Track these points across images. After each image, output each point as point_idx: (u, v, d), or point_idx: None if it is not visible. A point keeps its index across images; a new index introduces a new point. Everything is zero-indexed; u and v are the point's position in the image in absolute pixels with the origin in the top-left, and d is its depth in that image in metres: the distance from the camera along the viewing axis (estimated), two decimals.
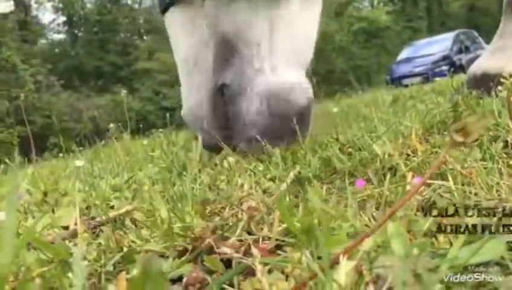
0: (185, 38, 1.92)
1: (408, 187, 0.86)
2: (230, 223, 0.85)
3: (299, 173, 1.22)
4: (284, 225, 0.78)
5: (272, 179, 1.26)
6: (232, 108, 1.80)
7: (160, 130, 4.78)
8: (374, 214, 0.75)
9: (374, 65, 27.92)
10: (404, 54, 16.27)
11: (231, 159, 1.53)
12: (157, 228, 0.90)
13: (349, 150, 1.42)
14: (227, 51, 1.81)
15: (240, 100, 1.78)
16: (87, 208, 1.31)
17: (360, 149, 1.37)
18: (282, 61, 1.85)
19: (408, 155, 1.24)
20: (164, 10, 1.98)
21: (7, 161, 2.81)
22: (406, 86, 7.42)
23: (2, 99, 15.19)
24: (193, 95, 1.92)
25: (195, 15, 1.88)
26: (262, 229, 0.84)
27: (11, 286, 0.71)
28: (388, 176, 0.94)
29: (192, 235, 0.81)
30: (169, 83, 18.27)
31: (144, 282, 0.43)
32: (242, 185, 1.20)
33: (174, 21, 1.95)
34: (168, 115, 4.40)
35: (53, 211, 1.35)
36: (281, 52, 1.86)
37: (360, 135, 1.53)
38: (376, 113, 2.20)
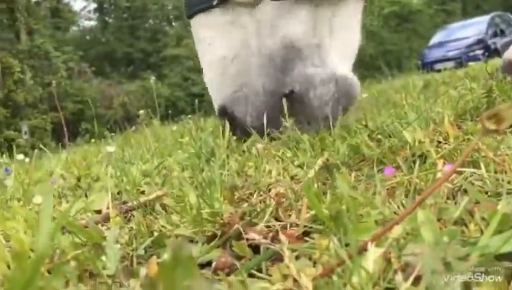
0: (225, 38, 1.98)
1: (439, 175, 0.85)
2: (258, 210, 0.85)
3: (327, 160, 1.22)
4: (312, 212, 0.78)
5: (300, 166, 1.26)
6: (299, 106, 1.88)
7: (189, 116, 4.82)
8: (403, 201, 0.74)
9: (404, 50, 27.33)
10: (436, 38, 15.88)
11: (259, 145, 1.53)
12: (186, 213, 0.91)
13: (379, 136, 1.40)
14: (290, 54, 1.88)
15: (307, 98, 1.89)
16: (118, 193, 1.35)
17: (389, 136, 1.35)
18: (339, 57, 1.97)
19: (439, 142, 1.22)
20: (199, 11, 2.02)
21: (41, 146, 2.89)
22: (438, 71, 7.24)
23: (35, 86, 15.57)
24: (228, 87, 1.98)
25: (238, 15, 1.94)
26: (290, 215, 0.84)
27: (46, 268, 0.74)
28: (418, 163, 0.93)
29: (221, 221, 0.82)
30: (198, 69, 18.30)
31: (174, 266, 0.44)
32: (270, 172, 1.21)
33: (212, 22, 1.99)
34: (196, 101, 4.43)
35: (86, 195, 1.39)
36: (339, 49, 1.97)
37: (390, 122, 1.51)
38: (406, 99, 2.16)
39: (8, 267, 0.75)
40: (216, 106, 2.04)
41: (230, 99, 1.95)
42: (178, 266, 0.43)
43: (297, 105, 1.87)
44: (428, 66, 11.99)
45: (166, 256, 0.48)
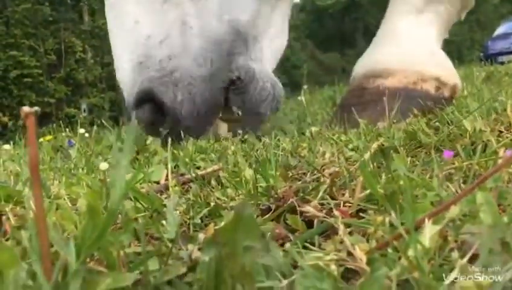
0: (155, 16, 1.79)
1: (500, 162, 0.83)
2: (312, 187, 0.87)
3: (382, 144, 1.21)
4: (366, 192, 0.79)
5: (354, 149, 1.26)
6: (240, 97, 1.81)
7: None
8: (462, 186, 0.73)
9: (466, 41, 26.22)
10: (501, 30, 15.08)
11: (313, 128, 1.54)
12: (241, 187, 0.94)
13: (437, 124, 1.37)
14: (238, 41, 1.79)
15: (249, 91, 1.81)
16: (175, 167, 1.40)
17: (448, 124, 1.32)
18: (268, 57, 1.94)
19: (501, 132, 1.18)
20: None
21: (101, 121, 3.02)
22: (502, 63, 6.92)
23: (95, 65, 16.14)
24: (154, 71, 1.76)
25: None
26: (343, 194, 0.85)
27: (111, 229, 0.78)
28: (478, 152, 0.91)
29: (276, 195, 0.84)
30: None
31: (237, 226, 0.46)
32: (324, 153, 1.21)
33: None
34: None
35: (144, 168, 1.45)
36: (269, 49, 1.94)
37: (450, 110, 1.47)
38: (467, 88, 2.10)
39: (76, 228, 0.81)
40: (134, 91, 1.79)
41: (158, 83, 1.72)
42: (240, 225, 0.46)
43: (239, 96, 1.78)
44: (491, 58, 11.47)
45: (228, 217, 0.50)
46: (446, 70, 1.88)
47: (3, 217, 0.82)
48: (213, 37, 1.76)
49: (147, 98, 1.74)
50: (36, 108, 0.45)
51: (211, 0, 1.77)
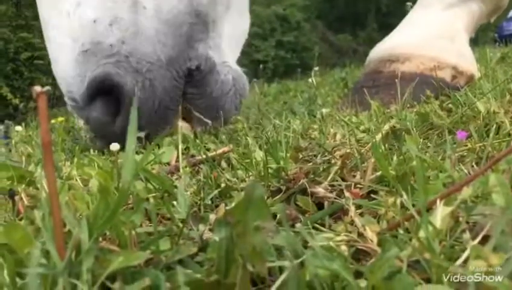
0: None
1: None
2: (323, 168, 0.86)
3: (394, 126, 1.20)
4: (378, 173, 0.78)
5: (365, 131, 1.25)
6: (200, 90, 1.63)
7: (254, 79, 4.85)
8: (475, 167, 0.73)
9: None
10: None
11: (324, 110, 1.53)
12: (252, 168, 0.94)
13: (450, 106, 1.36)
14: (198, 24, 1.60)
15: (210, 80, 1.64)
16: (186, 148, 1.40)
17: (461, 105, 1.31)
18: (229, 46, 1.76)
19: None
20: None
21: None
22: None
23: None
24: (104, 58, 1.51)
25: None
26: (354, 176, 0.85)
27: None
28: (492, 134, 0.90)
29: (286, 177, 0.84)
30: (262, 36, 18.27)
31: (247, 206, 0.46)
32: (335, 135, 1.21)
33: None
34: (260, 66, 4.44)
35: (153, 149, 1.46)
36: (229, 36, 1.76)
37: (463, 92, 1.45)
38: (481, 70, 2.06)
39: (88, 208, 0.81)
40: (83, 86, 1.53)
41: (112, 68, 1.48)
42: (251, 205, 0.46)
43: (199, 88, 1.62)
44: (506, 39, 11.25)
45: (239, 197, 0.51)
46: (464, 60, 1.85)
47: (17, 197, 0.83)
48: (170, 19, 1.55)
49: (102, 88, 1.49)
50: (47, 87, 0.45)
51: None
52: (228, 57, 1.73)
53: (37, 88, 0.45)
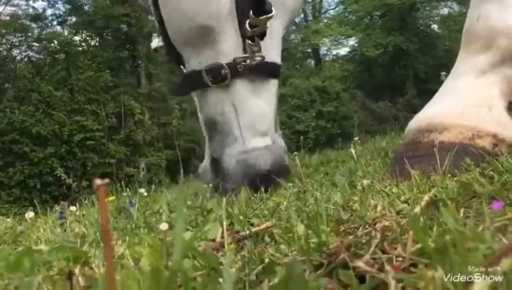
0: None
1: None
2: (364, 241, 0.88)
3: (435, 196, 1.21)
4: (418, 246, 0.79)
5: (406, 201, 1.26)
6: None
7: (295, 153, 4.93)
8: None
9: None
10: None
11: (365, 181, 1.55)
12: (294, 243, 0.97)
13: (491, 173, 1.35)
14: (211, 129, 2.47)
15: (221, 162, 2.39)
16: (230, 224, 1.44)
17: (503, 172, 1.30)
18: (248, 132, 2.40)
19: None
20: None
21: (158, 180, 3.13)
22: None
23: (152, 126, 16.84)
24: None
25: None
26: (395, 248, 0.85)
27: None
28: None
29: (328, 251, 0.86)
30: (302, 107, 18.61)
31: (288, 283, 0.49)
32: (375, 206, 1.22)
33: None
34: (301, 138, 4.52)
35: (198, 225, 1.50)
36: (246, 126, 2.39)
37: (504, 159, 1.45)
38: None
39: (139, 286, 0.85)
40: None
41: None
42: (291, 283, 0.49)
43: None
44: None
45: (280, 275, 0.53)
46: (503, 127, 1.84)
47: (74, 278, 0.89)
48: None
49: None
50: (107, 180, 0.51)
51: None
52: (246, 139, 2.44)
53: (97, 181, 0.51)
